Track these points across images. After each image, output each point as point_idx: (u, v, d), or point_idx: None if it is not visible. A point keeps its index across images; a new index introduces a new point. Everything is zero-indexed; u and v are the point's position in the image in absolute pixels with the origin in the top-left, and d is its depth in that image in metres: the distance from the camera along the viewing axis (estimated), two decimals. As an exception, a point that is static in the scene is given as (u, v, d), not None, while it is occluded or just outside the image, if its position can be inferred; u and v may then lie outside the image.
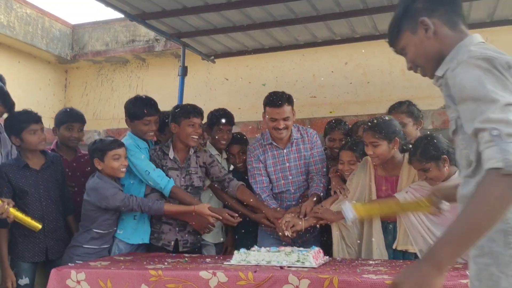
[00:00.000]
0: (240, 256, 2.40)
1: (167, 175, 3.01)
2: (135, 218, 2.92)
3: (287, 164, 3.16)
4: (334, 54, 4.67)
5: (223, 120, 3.32)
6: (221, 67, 4.93)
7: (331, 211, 2.86)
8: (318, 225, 2.95)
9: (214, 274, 2.12)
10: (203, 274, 2.13)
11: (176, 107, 3.14)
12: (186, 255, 2.80)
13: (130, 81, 6.21)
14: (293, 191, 3.19)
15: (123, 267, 2.33)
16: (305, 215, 2.92)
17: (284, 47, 4.23)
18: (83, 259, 2.69)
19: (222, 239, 3.38)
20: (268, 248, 2.49)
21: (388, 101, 3.34)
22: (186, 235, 3.01)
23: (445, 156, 2.50)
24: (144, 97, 3.10)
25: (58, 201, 2.92)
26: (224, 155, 3.49)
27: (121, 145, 2.85)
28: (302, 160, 3.19)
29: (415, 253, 2.66)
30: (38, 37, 5.19)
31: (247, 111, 4.65)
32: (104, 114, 7.94)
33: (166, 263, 2.43)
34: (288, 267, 2.27)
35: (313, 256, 2.33)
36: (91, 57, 5.88)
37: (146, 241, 3.00)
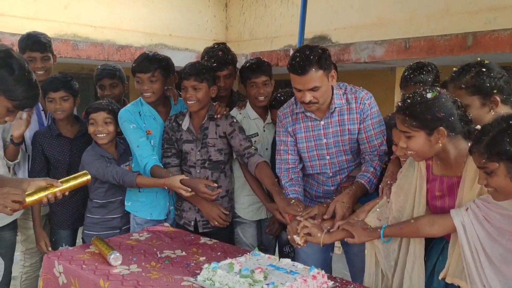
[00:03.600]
0: (207, 273, 1.96)
1: (181, 149, 2.64)
2: (140, 191, 2.68)
3: (324, 141, 2.39)
4: None
5: (254, 71, 2.67)
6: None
7: (362, 227, 2.04)
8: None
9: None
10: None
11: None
12: (207, 239, 2.52)
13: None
14: (331, 174, 2.46)
15: (84, 267, 2.16)
16: (333, 217, 2.17)
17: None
18: (91, 229, 2.68)
19: (265, 215, 2.86)
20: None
21: None
22: (207, 215, 2.64)
23: None
24: (147, 52, 2.66)
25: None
26: (269, 119, 2.83)
27: (99, 109, 2.61)
28: (346, 135, 2.37)
29: None
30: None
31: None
32: (259, 33, 7.69)
33: (139, 264, 2.16)
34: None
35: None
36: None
37: (156, 217, 2.75)
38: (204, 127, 2.63)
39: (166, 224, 2.76)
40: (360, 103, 2.34)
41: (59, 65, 8.48)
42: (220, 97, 2.82)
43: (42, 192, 1.93)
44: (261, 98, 2.71)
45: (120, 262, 2.15)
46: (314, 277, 1.88)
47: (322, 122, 2.38)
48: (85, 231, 2.72)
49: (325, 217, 2.19)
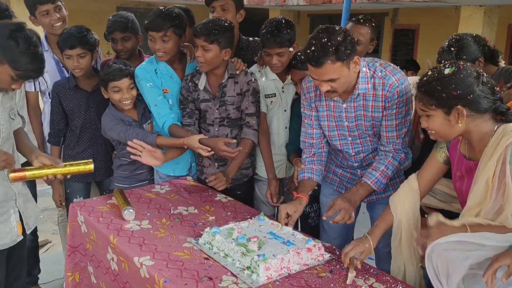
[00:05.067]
0: (207, 237, 2.02)
1: (200, 109, 2.63)
2: (163, 149, 2.68)
3: (346, 123, 2.24)
4: None
5: (268, 40, 2.50)
6: None
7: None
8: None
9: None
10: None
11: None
12: (222, 196, 2.57)
13: None
14: (353, 153, 2.33)
15: (101, 219, 2.29)
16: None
17: None
18: (121, 182, 2.78)
19: (284, 174, 2.83)
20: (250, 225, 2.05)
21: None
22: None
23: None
24: (161, 8, 2.54)
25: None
26: (288, 80, 2.69)
27: (123, 75, 2.57)
28: (369, 121, 2.19)
29: None
30: None
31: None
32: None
33: (150, 220, 2.26)
34: (232, 274, 1.79)
35: (279, 262, 1.78)
36: None
37: (179, 173, 2.81)
38: (223, 85, 2.59)
39: (189, 178, 2.84)
40: (388, 91, 2.09)
41: (116, 1, 8.60)
42: None
43: (44, 169, 2.08)
44: (275, 67, 2.59)
45: (133, 217, 2.26)
46: (309, 249, 1.88)
47: (344, 105, 2.19)
48: (115, 184, 2.83)
49: (324, 216, 2.15)
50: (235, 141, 2.52)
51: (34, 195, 2.75)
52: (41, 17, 2.76)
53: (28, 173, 2.04)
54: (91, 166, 2.19)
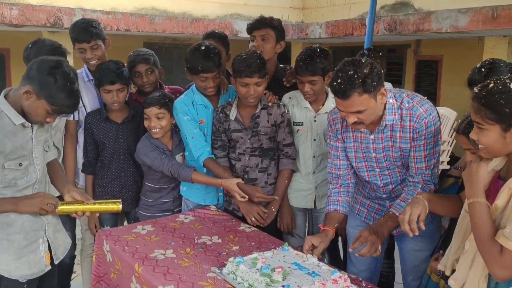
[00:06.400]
0: (231, 267, 2.01)
1: (231, 139, 2.68)
2: None
3: (373, 155, 2.23)
4: None
5: (300, 68, 2.53)
6: None
7: None
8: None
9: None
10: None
11: (235, 58, 2.59)
12: (246, 226, 2.57)
13: None
14: (381, 185, 2.31)
15: (126, 248, 2.31)
16: None
17: None
18: (145, 210, 2.83)
19: (312, 205, 2.80)
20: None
21: None
22: (255, 202, 2.68)
23: None
24: (203, 48, 2.61)
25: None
26: (323, 109, 2.68)
27: (150, 104, 2.67)
28: (397, 152, 2.17)
29: None
30: None
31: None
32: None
33: (175, 249, 2.27)
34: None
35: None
36: None
37: (209, 203, 2.84)
38: (256, 116, 2.64)
39: (212, 207, 2.86)
40: (415, 122, 2.07)
41: (143, 37, 8.92)
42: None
43: (74, 205, 2.15)
44: (308, 95, 2.62)
45: None
46: (334, 281, 1.85)
47: (371, 137, 2.18)
48: (140, 211, 2.89)
49: (350, 248, 2.12)
50: (273, 197, 2.61)
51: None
52: (79, 53, 2.91)
53: (59, 208, 2.11)
54: (119, 207, 2.23)
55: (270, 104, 2.66)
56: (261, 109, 2.65)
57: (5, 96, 2.03)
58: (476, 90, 1.64)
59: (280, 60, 3.05)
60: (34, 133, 2.08)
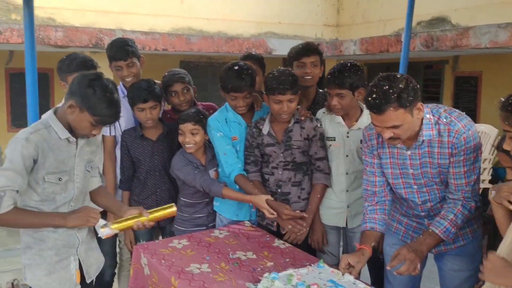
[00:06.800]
0: (266, 283, 2.00)
1: (265, 153, 2.70)
2: None
3: (411, 171, 2.19)
4: None
5: (329, 82, 2.54)
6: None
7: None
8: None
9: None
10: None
11: (267, 75, 2.62)
12: (281, 242, 2.57)
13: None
14: (419, 202, 2.26)
15: (163, 262, 2.34)
16: None
17: None
18: (181, 225, 2.88)
19: (344, 223, 2.76)
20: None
21: None
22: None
23: None
24: (236, 68, 2.65)
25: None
26: (356, 125, 2.67)
27: (185, 120, 2.72)
28: (435, 168, 2.13)
29: None
30: None
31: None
32: (372, 15, 7.31)
33: (210, 264, 2.28)
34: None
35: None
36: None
37: (242, 218, 2.84)
38: (289, 130, 2.66)
39: (246, 222, 2.86)
40: (454, 137, 2.03)
41: (180, 56, 9.16)
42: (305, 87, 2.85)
43: (130, 220, 2.26)
44: (335, 109, 2.60)
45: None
46: (371, 298, 1.81)
47: (408, 152, 2.15)
48: (175, 226, 2.93)
49: (388, 266, 2.06)
50: (301, 214, 2.59)
51: None
52: (115, 71, 3.01)
53: (114, 226, 2.21)
54: (174, 210, 2.37)
55: (303, 118, 2.67)
56: (294, 123, 2.66)
57: (55, 112, 2.13)
58: (502, 99, 1.65)
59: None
60: (78, 151, 2.16)
